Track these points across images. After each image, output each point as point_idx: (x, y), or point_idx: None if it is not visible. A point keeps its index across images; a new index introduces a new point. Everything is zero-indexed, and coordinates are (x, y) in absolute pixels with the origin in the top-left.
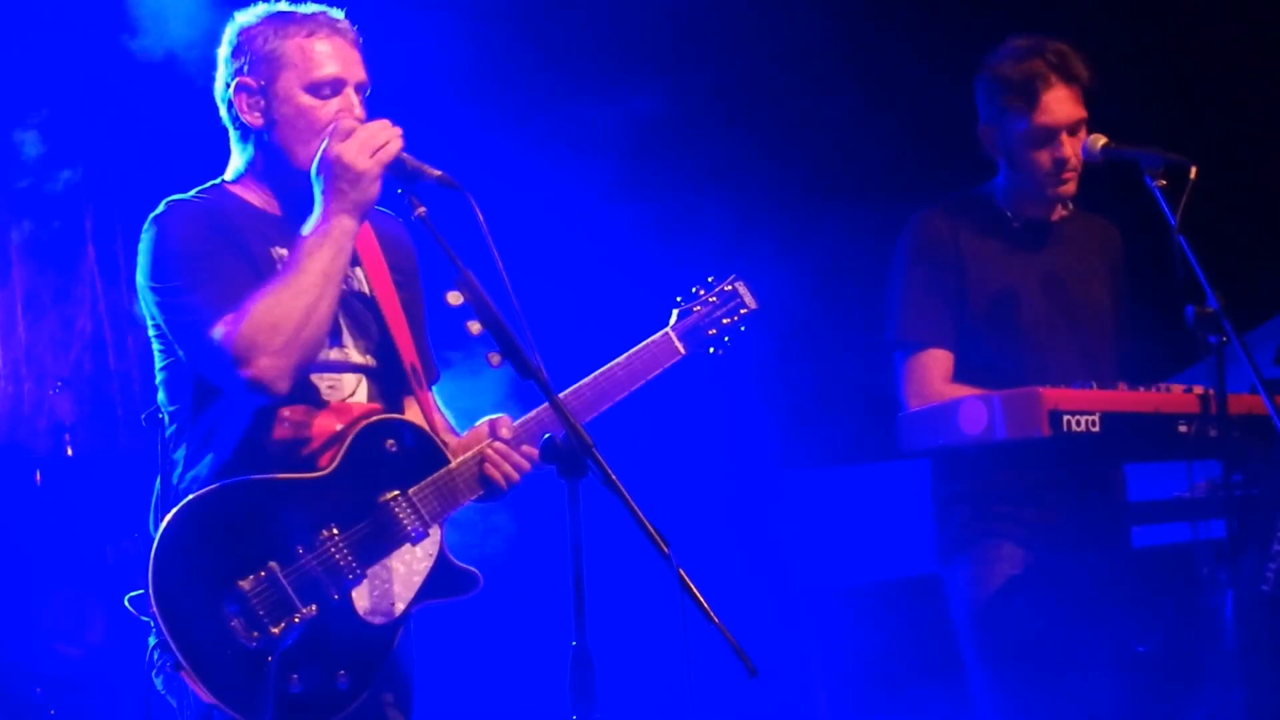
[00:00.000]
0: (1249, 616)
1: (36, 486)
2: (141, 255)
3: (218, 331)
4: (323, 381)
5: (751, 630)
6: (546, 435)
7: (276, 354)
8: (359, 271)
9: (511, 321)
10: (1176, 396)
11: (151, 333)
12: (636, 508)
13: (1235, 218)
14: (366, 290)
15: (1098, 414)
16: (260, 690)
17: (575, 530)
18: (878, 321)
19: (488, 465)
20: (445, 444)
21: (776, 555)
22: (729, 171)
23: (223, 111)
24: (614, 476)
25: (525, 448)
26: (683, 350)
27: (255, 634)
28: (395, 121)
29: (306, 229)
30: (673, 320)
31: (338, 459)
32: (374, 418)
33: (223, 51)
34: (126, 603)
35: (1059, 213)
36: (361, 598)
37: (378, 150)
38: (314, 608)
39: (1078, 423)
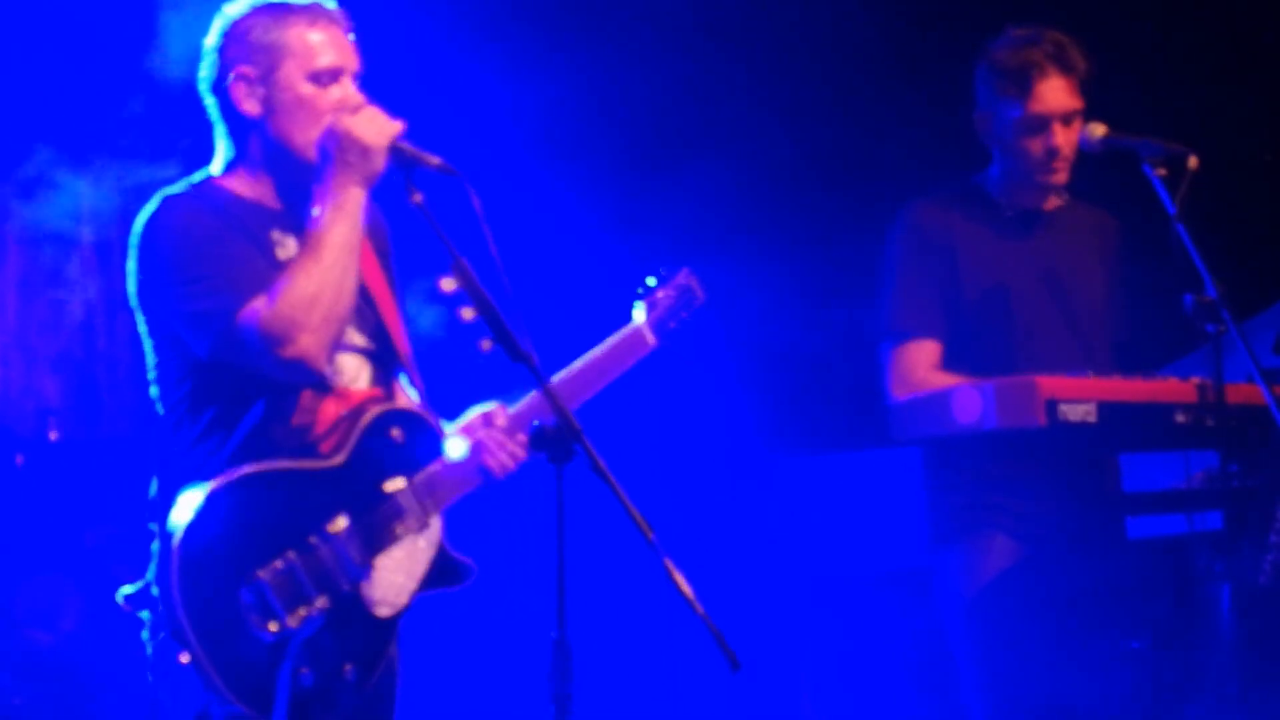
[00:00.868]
0: (1246, 609)
1: (17, 469)
2: (143, 249)
3: (251, 316)
4: (329, 366)
5: (737, 621)
6: (535, 422)
7: (316, 330)
8: None
9: (504, 309)
10: (1174, 385)
11: (144, 329)
12: (624, 495)
13: (1234, 206)
14: (359, 277)
15: (1094, 403)
16: (271, 682)
17: (561, 517)
18: (867, 308)
19: (485, 454)
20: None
21: (764, 545)
22: (711, 154)
23: (211, 102)
24: (602, 463)
25: (520, 436)
26: (653, 342)
27: (273, 625)
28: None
29: (317, 206)
30: (641, 313)
31: (349, 449)
32: (380, 407)
33: (213, 42)
34: (119, 598)
35: (1053, 202)
36: (370, 589)
37: (385, 127)
38: (326, 599)
39: (1074, 412)
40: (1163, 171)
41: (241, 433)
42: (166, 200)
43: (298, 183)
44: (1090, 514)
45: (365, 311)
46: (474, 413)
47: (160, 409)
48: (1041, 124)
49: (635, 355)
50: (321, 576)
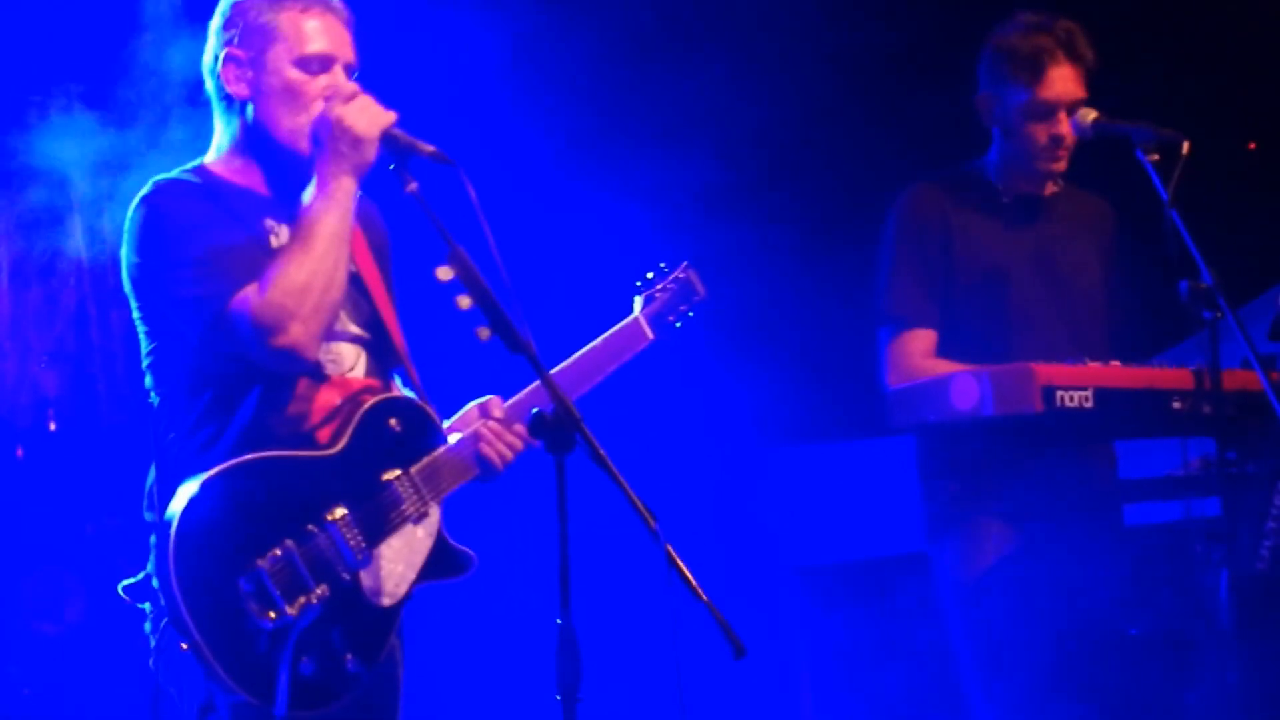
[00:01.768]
0: (1243, 595)
1: (18, 461)
2: (135, 236)
3: (242, 304)
4: (325, 355)
5: (740, 608)
6: (534, 410)
7: (307, 319)
8: None
9: (502, 297)
10: (1170, 372)
11: (138, 316)
12: (625, 483)
13: (1228, 191)
14: (352, 268)
15: (1091, 389)
16: (273, 671)
17: (562, 506)
18: (863, 295)
19: (483, 444)
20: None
21: (765, 533)
22: (707, 141)
23: (209, 83)
24: (602, 452)
25: (517, 427)
26: (652, 335)
27: (272, 614)
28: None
29: (308, 195)
30: (640, 306)
31: (346, 437)
32: (378, 396)
33: (215, 23)
34: (121, 590)
35: (1050, 189)
36: (369, 578)
37: (378, 116)
38: (326, 588)
39: (1071, 398)
40: (1155, 157)
41: (237, 422)
42: (159, 185)
43: (282, 169)
44: (1087, 501)
45: (360, 301)
46: (471, 405)
47: (155, 399)
48: (1049, 111)
49: (633, 348)
50: (321, 565)
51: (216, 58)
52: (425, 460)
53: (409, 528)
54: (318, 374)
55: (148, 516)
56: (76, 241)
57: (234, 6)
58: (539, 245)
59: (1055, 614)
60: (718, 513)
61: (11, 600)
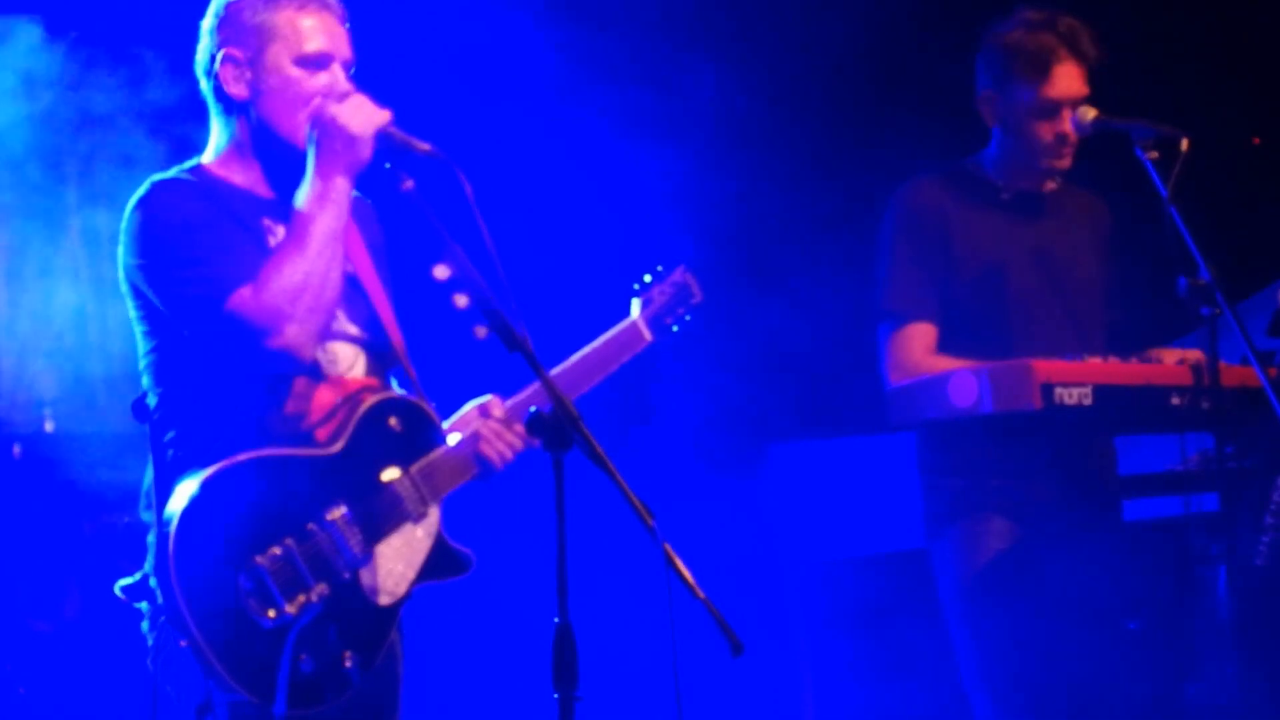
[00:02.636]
0: (1242, 590)
1: (15, 460)
2: (132, 235)
3: (237, 303)
4: (321, 355)
5: (738, 605)
6: (532, 408)
7: (302, 320)
8: None
9: (499, 295)
10: (1169, 369)
11: (135, 315)
12: (623, 481)
13: (1227, 188)
14: (350, 268)
15: (1090, 386)
16: (272, 669)
17: (560, 504)
18: (864, 291)
19: (482, 444)
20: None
21: (763, 530)
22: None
23: (204, 84)
24: (600, 450)
25: (517, 426)
26: (650, 338)
27: (271, 611)
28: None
29: (301, 194)
30: (638, 308)
31: (346, 436)
32: (377, 395)
33: (207, 23)
34: (118, 590)
35: (1049, 186)
36: (369, 577)
37: (372, 115)
38: (325, 587)
39: (1070, 395)
40: (1155, 154)
41: (235, 421)
42: (156, 184)
43: (286, 168)
44: (1086, 496)
45: (358, 301)
46: (471, 405)
47: (152, 399)
48: (1054, 109)
49: (631, 350)
50: (320, 564)
51: (213, 59)
52: (425, 460)
53: (408, 527)
54: (316, 373)
55: (145, 516)
56: (75, 239)
57: (227, 6)
58: (536, 243)
59: (1055, 609)
60: (716, 510)
61: (8, 599)
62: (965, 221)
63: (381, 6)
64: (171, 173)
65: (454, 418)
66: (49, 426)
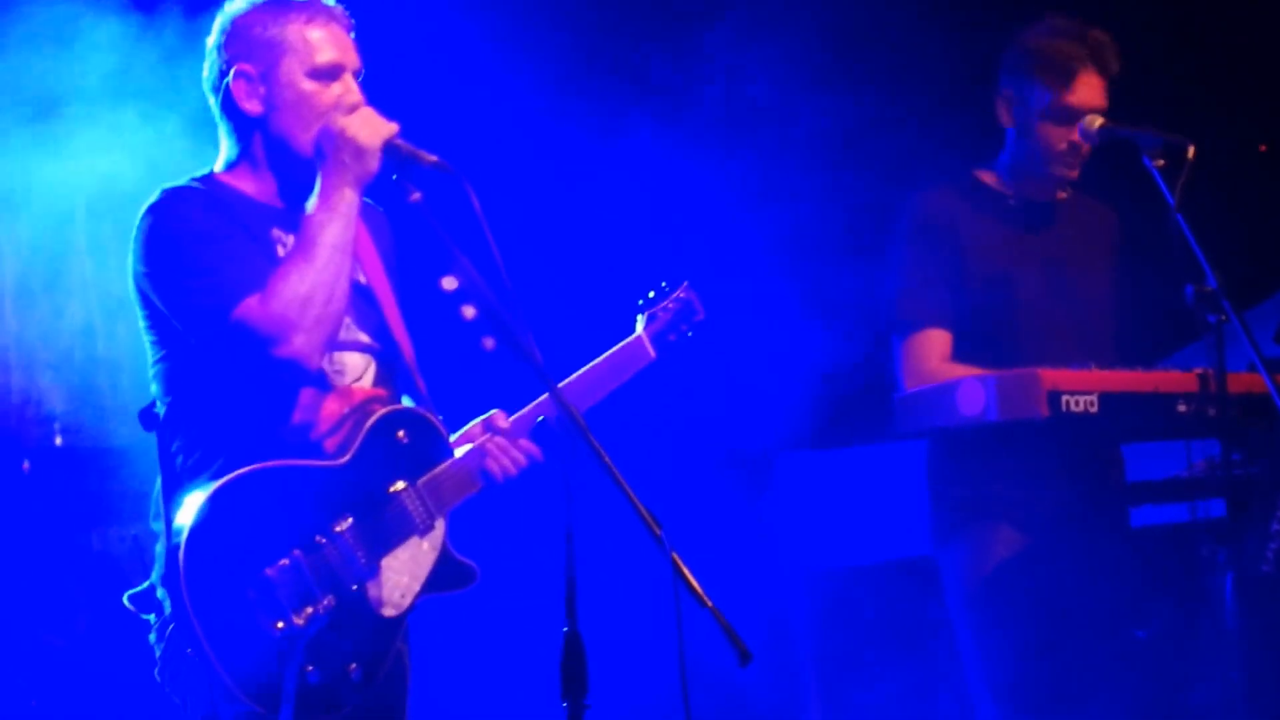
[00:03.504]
0: (1249, 597)
1: (24, 475)
2: (142, 244)
3: (244, 313)
4: (329, 365)
5: (746, 614)
6: (539, 418)
7: (309, 330)
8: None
9: (506, 307)
10: (1175, 376)
11: (144, 324)
12: (630, 490)
13: (1233, 195)
14: (362, 278)
15: (1096, 394)
16: (279, 681)
17: (568, 514)
18: (873, 300)
19: (488, 459)
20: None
21: (771, 538)
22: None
23: (213, 101)
24: (608, 459)
25: (522, 442)
26: (654, 354)
27: (280, 623)
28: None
29: (310, 205)
30: (642, 325)
31: (354, 448)
32: (387, 407)
33: (213, 40)
34: (126, 600)
35: (1058, 195)
36: (375, 589)
37: (379, 127)
38: (332, 598)
39: (1076, 403)
40: (1161, 163)
41: (244, 431)
42: (167, 193)
43: (301, 180)
44: (1093, 504)
45: (369, 311)
46: (476, 420)
47: (160, 407)
48: (1071, 117)
49: (635, 366)
50: (328, 576)
51: (222, 75)
52: (432, 473)
53: (414, 540)
54: (324, 383)
55: (155, 526)
56: (83, 253)
57: (234, 22)
58: (543, 254)
59: (1062, 617)
60: (724, 518)
61: (19, 613)
62: (975, 230)
63: (388, 17)
64: (182, 181)
65: (460, 432)
66: (58, 441)
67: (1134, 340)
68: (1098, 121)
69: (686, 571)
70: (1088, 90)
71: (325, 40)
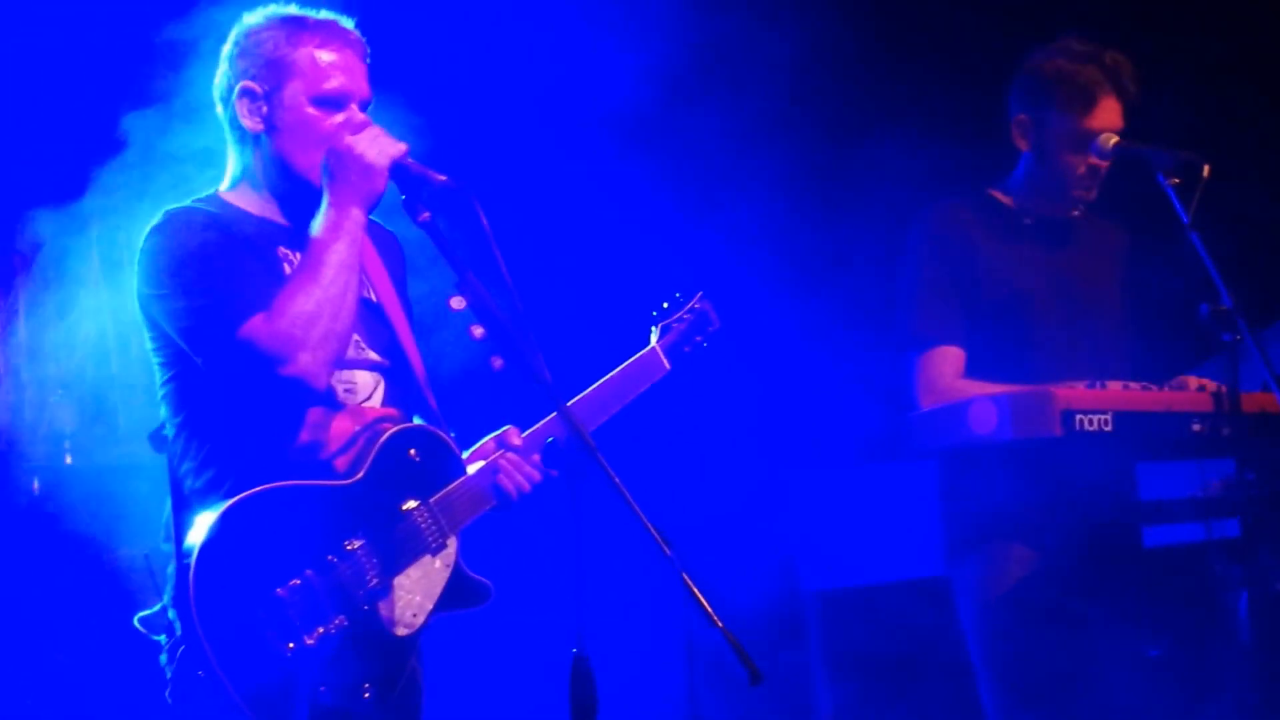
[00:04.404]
0: (1263, 616)
1: (34, 494)
2: (147, 264)
3: (250, 332)
4: (339, 384)
5: (757, 633)
6: (549, 438)
7: (315, 348)
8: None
9: (516, 326)
10: (1189, 395)
11: (152, 345)
12: (640, 511)
13: (1248, 214)
14: (372, 297)
15: (1110, 413)
16: (291, 701)
17: (577, 534)
18: (888, 317)
19: (501, 476)
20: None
21: (782, 557)
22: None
23: (221, 110)
24: (617, 479)
25: (535, 457)
26: (668, 366)
27: (291, 643)
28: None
29: (317, 224)
30: (656, 337)
31: (366, 467)
32: (398, 425)
33: (227, 50)
34: (136, 622)
35: (1072, 213)
36: (387, 608)
37: (387, 147)
38: (344, 618)
39: (1090, 422)
40: (1176, 181)
41: (253, 451)
42: (171, 214)
43: (300, 200)
44: (1107, 522)
45: (379, 329)
46: (489, 436)
47: (170, 430)
48: (1091, 141)
49: (650, 379)
50: (340, 595)
51: (231, 89)
52: (444, 491)
53: (427, 558)
54: (334, 402)
55: (165, 548)
56: (95, 273)
57: (248, 35)
58: (555, 272)
59: (1076, 636)
60: (736, 537)
61: (28, 632)
62: (988, 248)
63: (395, 30)
64: (187, 202)
65: (472, 449)
66: (68, 460)
67: (1148, 358)
68: (1113, 140)
69: (697, 591)
70: (1107, 115)
71: (335, 66)
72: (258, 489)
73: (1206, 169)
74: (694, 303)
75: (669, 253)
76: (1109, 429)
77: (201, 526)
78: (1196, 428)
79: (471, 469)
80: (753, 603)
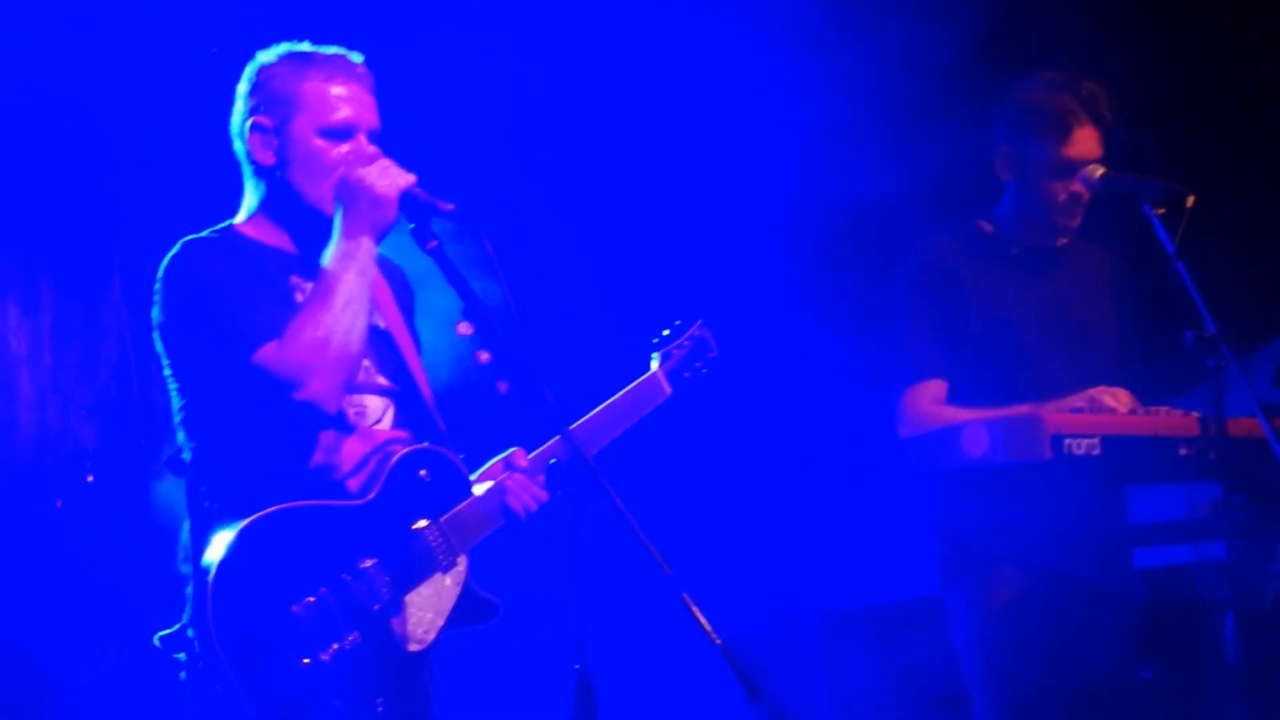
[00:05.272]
0: (1250, 636)
1: (57, 512)
2: (163, 296)
3: (263, 358)
4: (350, 408)
5: (755, 652)
6: (552, 460)
7: (327, 373)
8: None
9: (521, 352)
10: (1176, 420)
11: (168, 372)
12: (640, 531)
13: (1232, 242)
14: (381, 324)
15: (1099, 437)
16: (306, 715)
17: (580, 553)
18: (879, 342)
19: (509, 496)
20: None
21: (780, 576)
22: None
23: (237, 146)
24: (619, 501)
25: (541, 478)
26: (669, 391)
27: (306, 659)
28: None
29: (328, 253)
30: (657, 363)
31: (378, 487)
32: (408, 447)
33: (241, 87)
34: (156, 641)
35: (1058, 241)
36: (400, 625)
37: (397, 178)
38: (358, 635)
39: (1079, 446)
40: (1162, 211)
41: (268, 474)
42: (188, 245)
43: (312, 231)
44: (1097, 545)
45: (388, 355)
46: (497, 458)
47: (187, 453)
48: (1071, 169)
49: (651, 404)
50: (353, 612)
51: (244, 124)
52: (453, 510)
53: (438, 576)
54: (345, 425)
55: (184, 569)
56: (118, 296)
57: (259, 72)
58: (559, 298)
59: (1067, 657)
60: (733, 556)
61: (49, 649)
62: (977, 277)
63: (399, 52)
64: (203, 234)
65: (481, 470)
66: (89, 479)
67: (1137, 386)
68: (1099, 171)
69: (696, 610)
70: (1085, 143)
71: (342, 99)
72: (273, 509)
73: (1191, 200)
74: (693, 330)
75: (671, 279)
76: (1097, 452)
77: (218, 545)
78: (1183, 452)
79: (480, 489)
80: (752, 621)
